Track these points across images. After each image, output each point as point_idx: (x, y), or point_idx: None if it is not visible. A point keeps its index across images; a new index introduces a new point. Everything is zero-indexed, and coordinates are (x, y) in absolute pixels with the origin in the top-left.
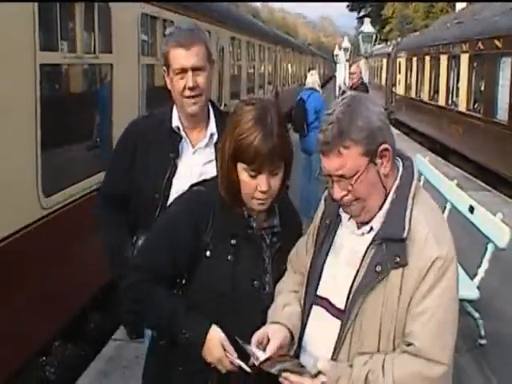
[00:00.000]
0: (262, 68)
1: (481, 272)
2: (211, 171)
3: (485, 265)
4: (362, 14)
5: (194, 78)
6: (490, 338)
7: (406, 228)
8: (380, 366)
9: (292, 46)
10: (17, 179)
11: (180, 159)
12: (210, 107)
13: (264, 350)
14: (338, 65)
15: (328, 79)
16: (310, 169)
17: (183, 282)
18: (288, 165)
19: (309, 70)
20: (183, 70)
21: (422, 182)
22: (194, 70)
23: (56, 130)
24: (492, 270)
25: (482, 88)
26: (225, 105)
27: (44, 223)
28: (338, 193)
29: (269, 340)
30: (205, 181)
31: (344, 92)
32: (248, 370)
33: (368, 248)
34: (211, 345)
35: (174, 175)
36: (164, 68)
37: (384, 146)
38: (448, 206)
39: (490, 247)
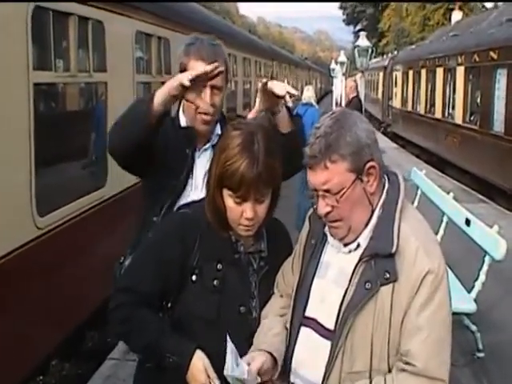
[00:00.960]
0: (259, 83)
1: (478, 285)
2: None
3: (482, 277)
4: (358, 27)
5: (210, 95)
6: (488, 350)
7: (395, 243)
8: None
9: (288, 61)
10: (11, 199)
11: (196, 156)
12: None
13: None
14: (334, 79)
15: (325, 93)
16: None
17: (168, 305)
18: (276, 191)
19: (306, 85)
20: (201, 85)
21: (418, 195)
22: (213, 88)
23: (50, 150)
24: (489, 283)
25: (478, 100)
26: None
27: (39, 243)
28: (322, 208)
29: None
30: (193, 202)
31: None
32: None
33: (356, 265)
34: (195, 370)
35: (192, 169)
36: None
37: (371, 163)
38: (445, 219)
39: (487, 260)
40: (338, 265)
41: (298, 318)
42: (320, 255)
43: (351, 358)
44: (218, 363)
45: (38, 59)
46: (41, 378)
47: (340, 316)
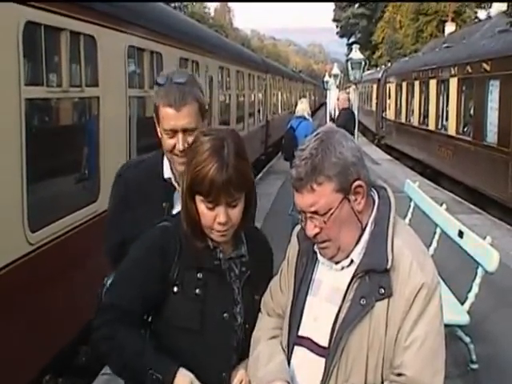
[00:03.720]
0: (252, 96)
1: (471, 296)
2: None
3: (475, 289)
4: (351, 40)
5: (184, 139)
6: (482, 362)
7: (390, 258)
8: None
9: (282, 74)
10: (2, 214)
11: (174, 209)
12: None
13: None
14: (328, 91)
15: (319, 106)
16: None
17: (149, 319)
18: (249, 194)
19: (299, 98)
20: (173, 131)
21: (411, 208)
22: (185, 131)
23: (42, 165)
24: (482, 294)
25: (472, 111)
26: None
27: (31, 258)
28: (310, 229)
29: None
30: (171, 216)
31: (333, 120)
32: None
33: (351, 282)
34: None
35: None
36: (154, 115)
37: (358, 182)
38: (438, 231)
39: (480, 271)
40: (330, 282)
41: (293, 338)
42: (312, 273)
43: (346, 374)
44: (203, 376)
45: (29, 74)
46: None
47: (335, 333)
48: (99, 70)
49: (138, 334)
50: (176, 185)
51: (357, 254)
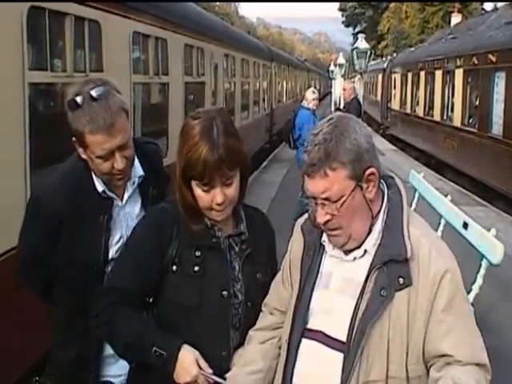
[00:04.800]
0: (257, 85)
1: (475, 288)
2: None
3: (479, 281)
4: (357, 29)
5: (122, 156)
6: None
7: (409, 248)
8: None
9: (287, 62)
10: (6, 201)
11: (112, 221)
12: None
13: None
14: (333, 81)
15: (324, 95)
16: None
17: (150, 300)
18: (244, 169)
19: (305, 86)
20: (108, 153)
21: (416, 198)
22: (121, 147)
23: (45, 150)
24: (486, 287)
25: (477, 103)
26: None
27: None
28: (321, 216)
29: None
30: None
31: (339, 109)
32: (223, 382)
33: (369, 273)
34: (185, 362)
35: (109, 239)
36: (74, 139)
37: (371, 170)
38: (442, 222)
39: (484, 263)
40: (341, 273)
41: (298, 331)
42: (319, 266)
43: (367, 367)
44: (203, 355)
45: (33, 59)
46: (36, 378)
47: (355, 326)
48: (104, 55)
49: (139, 313)
50: (113, 196)
51: (371, 245)
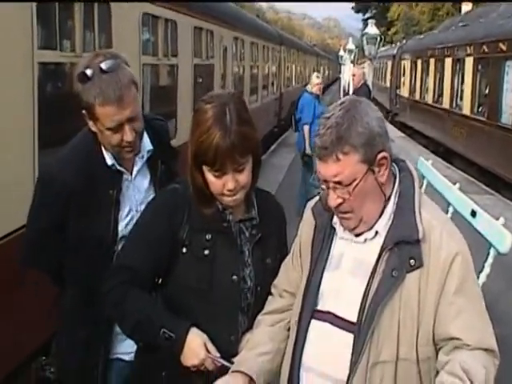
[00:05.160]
0: (266, 68)
1: (482, 277)
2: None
3: (486, 270)
4: (367, 15)
5: (131, 128)
6: None
7: (420, 229)
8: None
9: (297, 47)
10: (14, 180)
11: (121, 195)
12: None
13: None
14: (342, 66)
15: (333, 81)
16: (308, 167)
17: (159, 281)
18: (256, 155)
19: (314, 71)
20: (118, 126)
21: (424, 185)
22: (130, 119)
23: (54, 130)
24: (494, 275)
25: (487, 91)
26: None
27: None
28: (333, 200)
29: None
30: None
31: (348, 95)
32: (230, 365)
33: (380, 254)
34: (193, 345)
35: (118, 213)
36: (84, 112)
37: (383, 154)
38: (450, 210)
39: (492, 252)
40: (352, 255)
41: (308, 313)
42: (329, 248)
43: (377, 349)
44: (211, 338)
45: (42, 38)
46: (43, 358)
47: (365, 307)
48: (113, 36)
49: (149, 294)
50: (122, 169)
51: (382, 226)
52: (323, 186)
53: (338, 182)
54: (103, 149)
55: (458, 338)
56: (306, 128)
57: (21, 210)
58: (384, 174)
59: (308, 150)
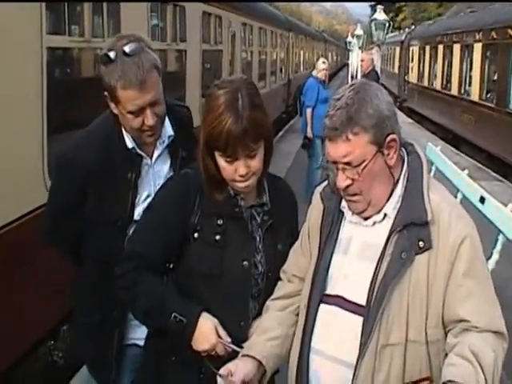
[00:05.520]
0: (274, 54)
1: (491, 263)
2: None
3: (495, 256)
4: (375, 1)
5: (153, 112)
6: None
7: (429, 211)
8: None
9: (305, 33)
10: (23, 164)
11: (140, 179)
12: None
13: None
14: (350, 52)
15: (341, 67)
16: (313, 152)
17: (171, 266)
18: (268, 141)
19: (322, 57)
20: (139, 110)
21: (433, 172)
22: (151, 106)
23: (63, 115)
24: (503, 262)
25: (495, 77)
26: None
27: None
28: (342, 181)
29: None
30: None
31: None
32: (241, 351)
33: (389, 236)
34: (204, 330)
35: (136, 197)
36: (106, 94)
37: (392, 136)
38: (459, 196)
39: (501, 238)
40: (361, 238)
41: (317, 297)
42: (338, 232)
43: (387, 331)
44: (221, 323)
45: (51, 23)
46: (52, 342)
47: (375, 290)
48: (122, 21)
49: (161, 279)
50: (142, 153)
51: (391, 209)
52: (332, 167)
53: (348, 163)
54: (124, 132)
55: (467, 320)
56: (309, 111)
57: (30, 194)
58: (393, 157)
59: (309, 134)
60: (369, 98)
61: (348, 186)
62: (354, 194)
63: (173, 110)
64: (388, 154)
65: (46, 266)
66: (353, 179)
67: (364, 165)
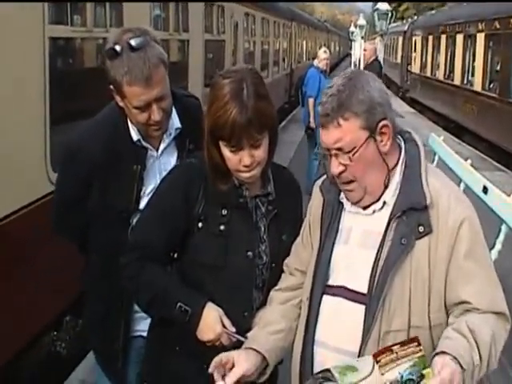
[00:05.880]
0: (277, 44)
1: (494, 253)
2: None
3: (498, 246)
4: None
5: (159, 107)
6: None
7: (428, 195)
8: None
9: (307, 23)
10: (25, 154)
11: (145, 171)
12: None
13: (224, 374)
14: (353, 42)
15: (343, 57)
16: (311, 141)
17: (175, 256)
18: (272, 131)
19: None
20: (145, 105)
21: (435, 162)
22: (157, 101)
23: (65, 105)
24: (505, 252)
25: (498, 67)
26: None
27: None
28: (335, 167)
29: (233, 366)
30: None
31: None
32: (244, 340)
33: (389, 223)
34: (209, 319)
35: (141, 189)
36: (112, 88)
37: (384, 122)
38: (461, 186)
39: (504, 228)
40: (361, 227)
41: (320, 288)
42: (338, 223)
43: (389, 317)
44: (226, 313)
45: (53, 13)
46: (54, 333)
47: (376, 277)
48: (124, 11)
49: (164, 269)
50: (148, 146)
51: (390, 197)
52: (326, 155)
53: (339, 149)
54: (130, 124)
55: (468, 302)
56: (311, 101)
57: (32, 185)
58: (386, 144)
59: (312, 124)
60: (360, 85)
61: (341, 173)
62: (349, 182)
63: (180, 100)
64: (381, 141)
65: (46, 259)
66: (345, 165)
67: (355, 150)
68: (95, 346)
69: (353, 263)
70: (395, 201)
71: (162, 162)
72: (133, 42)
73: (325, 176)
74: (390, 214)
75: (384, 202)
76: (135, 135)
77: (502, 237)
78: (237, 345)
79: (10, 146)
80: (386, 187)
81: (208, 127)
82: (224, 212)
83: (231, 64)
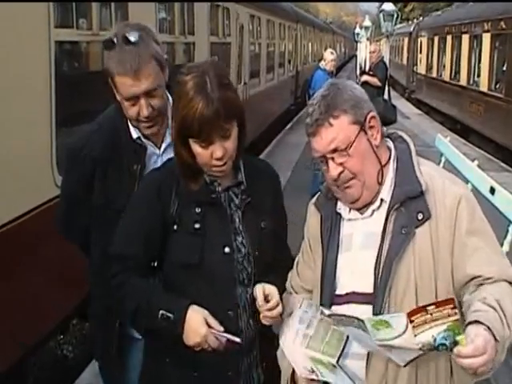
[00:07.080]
0: (283, 46)
1: None
2: None
3: (505, 247)
4: None
5: (147, 103)
6: None
7: (422, 182)
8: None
9: (313, 25)
10: (31, 158)
11: (145, 170)
12: (169, 95)
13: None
14: (358, 44)
15: (349, 58)
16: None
17: (155, 264)
18: (240, 121)
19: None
20: (135, 97)
21: (442, 163)
22: (148, 94)
23: (71, 108)
24: None
25: (504, 68)
26: (244, 83)
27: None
28: (333, 170)
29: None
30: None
31: (364, 72)
32: (238, 340)
33: (388, 215)
34: (194, 323)
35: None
36: (109, 81)
37: (372, 113)
38: (469, 187)
39: (511, 229)
40: (362, 230)
41: (328, 300)
42: (338, 233)
43: (396, 308)
44: (211, 313)
45: (59, 17)
46: (61, 336)
47: (379, 270)
48: (129, 14)
49: (147, 280)
50: (148, 144)
51: (386, 193)
52: (322, 164)
53: (335, 150)
54: (129, 122)
55: (478, 276)
56: None
57: (38, 186)
58: (377, 138)
59: None
60: (342, 87)
61: (340, 174)
62: (349, 180)
63: None
64: (372, 135)
65: (52, 262)
66: (343, 164)
67: (350, 145)
68: (95, 351)
69: (357, 266)
70: (391, 195)
71: (164, 160)
72: (128, 36)
73: (318, 194)
74: (388, 207)
75: (381, 200)
76: (134, 133)
77: (509, 237)
78: (230, 346)
79: (16, 150)
80: (381, 185)
81: (176, 127)
82: (198, 210)
83: (237, 66)
